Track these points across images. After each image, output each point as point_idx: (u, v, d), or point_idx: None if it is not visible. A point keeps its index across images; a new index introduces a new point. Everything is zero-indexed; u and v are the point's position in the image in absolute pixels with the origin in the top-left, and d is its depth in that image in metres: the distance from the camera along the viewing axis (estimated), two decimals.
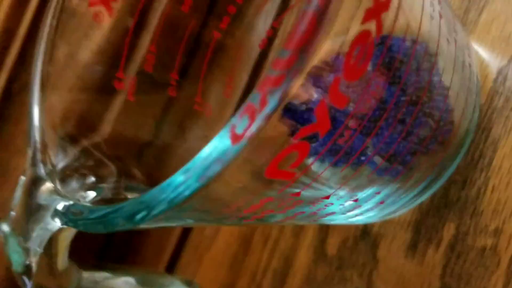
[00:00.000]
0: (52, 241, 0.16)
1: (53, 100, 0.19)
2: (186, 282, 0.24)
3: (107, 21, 0.20)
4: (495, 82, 0.21)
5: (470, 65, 0.21)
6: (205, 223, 0.26)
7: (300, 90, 0.11)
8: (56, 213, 0.15)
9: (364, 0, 0.12)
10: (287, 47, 0.10)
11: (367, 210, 0.20)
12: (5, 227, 0.15)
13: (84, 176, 0.18)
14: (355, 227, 0.24)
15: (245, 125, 0.11)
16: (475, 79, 0.21)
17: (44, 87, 0.18)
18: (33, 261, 0.16)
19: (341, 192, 0.18)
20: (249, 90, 0.24)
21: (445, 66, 0.19)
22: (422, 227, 0.22)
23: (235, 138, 0.11)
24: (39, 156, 0.17)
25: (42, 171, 0.16)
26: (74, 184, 0.18)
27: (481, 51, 0.22)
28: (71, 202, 0.15)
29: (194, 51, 0.23)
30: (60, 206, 0.15)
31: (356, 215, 0.20)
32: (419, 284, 0.22)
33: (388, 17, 0.13)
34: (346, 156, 0.15)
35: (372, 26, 0.12)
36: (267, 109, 0.10)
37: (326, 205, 0.18)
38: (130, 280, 0.20)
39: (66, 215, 0.15)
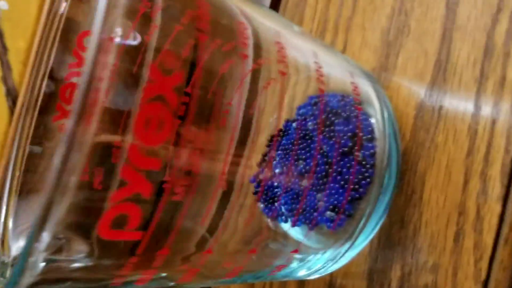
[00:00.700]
0: None
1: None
2: None
3: None
4: (416, 118, 0.21)
5: (385, 108, 0.21)
6: None
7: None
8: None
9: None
10: None
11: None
12: None
13: None
14: (323, 282, 0.24)
15: None
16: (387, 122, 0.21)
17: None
18: None
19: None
20: None
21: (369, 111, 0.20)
22: (374, 274, 0.21)
23: None
24: None
25: None
26: None
27: (403, 90, 0.22)
28: None
29: None
30: None
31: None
32: None
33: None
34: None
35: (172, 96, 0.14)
36: None
37: None
38: None
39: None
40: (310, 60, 0.19)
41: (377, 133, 0.21)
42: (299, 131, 0.21)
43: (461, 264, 0.18)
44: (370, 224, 0.21)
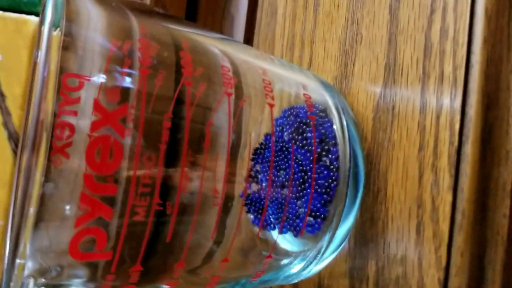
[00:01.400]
0: None
1: None
2: None
3: None
4: (374, 120, 0.22)
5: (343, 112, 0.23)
6: None
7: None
8: None
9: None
10: None
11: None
12: None
13: None
14: (313, 283, 0.25)
15: None
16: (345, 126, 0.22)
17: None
18: None
19: None
20: None
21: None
22: (354, 271, 0.23)
23: None
24: None
25: None
26: None
27: (361, 95, 0.23)
28: None
29: None
30: None
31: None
32: None
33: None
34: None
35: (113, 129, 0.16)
36: None
37: None
38: None
39: None
40: (258, 78, 0.20)
41: (338, 138, 0.22)
42: (277, 143, 0.22)
43: (424, 254, 0.19)
44: (343, 224, 0.22)
